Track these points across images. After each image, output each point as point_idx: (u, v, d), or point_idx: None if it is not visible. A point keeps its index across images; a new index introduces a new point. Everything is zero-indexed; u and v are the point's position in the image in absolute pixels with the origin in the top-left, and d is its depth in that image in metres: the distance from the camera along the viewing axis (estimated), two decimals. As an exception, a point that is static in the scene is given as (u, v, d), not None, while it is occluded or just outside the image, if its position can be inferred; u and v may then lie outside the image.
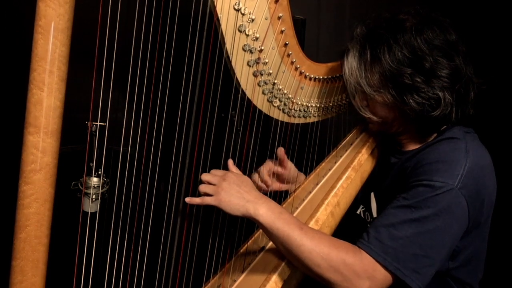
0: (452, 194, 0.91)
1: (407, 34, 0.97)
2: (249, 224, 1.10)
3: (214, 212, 1.04)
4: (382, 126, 1.12)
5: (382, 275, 0.90)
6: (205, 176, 0.99)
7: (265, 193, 1.22)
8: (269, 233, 0.94)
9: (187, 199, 0.97)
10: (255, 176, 1.24)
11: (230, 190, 0.95)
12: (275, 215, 0.93)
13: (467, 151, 0.97)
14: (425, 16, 1.01)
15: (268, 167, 1.24)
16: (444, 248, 0.93)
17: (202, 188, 0.97)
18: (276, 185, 1.26)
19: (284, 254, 0.97)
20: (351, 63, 1.04)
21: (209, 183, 0.98)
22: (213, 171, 1.01)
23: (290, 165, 1.26)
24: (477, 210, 0.97)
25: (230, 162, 1.05)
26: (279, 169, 1.24)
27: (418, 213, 0.91)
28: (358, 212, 1.24)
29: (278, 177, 1.26)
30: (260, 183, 1.23)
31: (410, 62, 0.96)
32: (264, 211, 0.93)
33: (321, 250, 0.90)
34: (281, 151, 1.19)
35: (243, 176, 1.01)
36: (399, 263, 0.89)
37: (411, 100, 0.98)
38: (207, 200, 0.96)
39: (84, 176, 0.99)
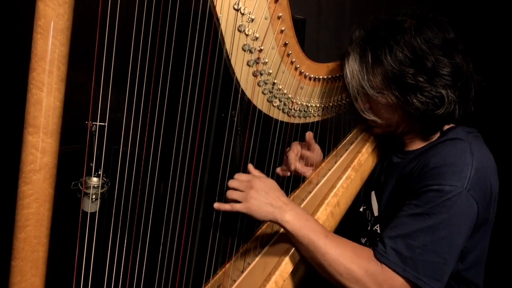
0: (462, 197, 0.92)
1: (407, 35, 0.98)
2: (249, 224, 1.10)
3: (214, 212, 1.04)
4: (387, 128, 1.11)
5: (401, 284, 0.91)
6: (232, 183, 1.01)
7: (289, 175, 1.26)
8: (295, 239, 0.97)
9: (216, 205, 0.99)
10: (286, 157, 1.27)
11: (259, 197, 0.97)
12: (302, 223, 0.95)
13: (472, 152, 0.97)
14: (423, 16, 1.02)
15: (296, 150, 1.27)
16: (458, 249, 0.94)
17: (230, 194, 1.00)
18: (302, 168, 1.28)
19: (308, 260, 0.99)
20: (352, 66, 1.04)
21: (236, 189, 1.00)
22: (238, 176, 1.03)
23: (317, 148, 1.30)
24: (485, 209, 0.97)
25: (251, 166, 1.07)
26: (306, 152, 1.27)
27: (432, 220, 0.91)
28: (361, 209, 1.25)
29: (304, 159, 1.29)
30: (289, 165, 1.26)
31: (412, 62, 0.97)
32: (291, 218, 0.95)
33: (344, 259, 0.92)
34: (309, 134, 1.24)
35: (269, 180, 1.02)
36: (418, 272, 0.90)
37: (414, 100, 0.98)
38: (237, 207, 0.98)
39: (84, 176, 0.98)
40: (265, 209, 0.96)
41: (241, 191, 1.00)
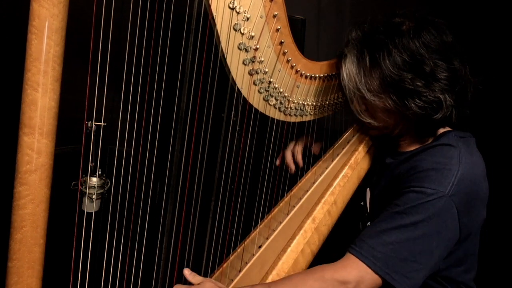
0: (443, 201, 0.92)
1: (405, 38, 0.96)
2: (246, 223, 1.10)
3: (211, 211, 1.04)
4: (384, 130, 1.11)
5: (370, 277, 0.91)
6: None
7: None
8: None
9: None
10: (288, 154, 1.30)
11: None
12: None
13: (460, 159, 0.97)
14: (421, 18, 1.00)
15: (302, 147, 1.29)
16: (434, 253, 0.93)
17: None
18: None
19: None
20: (349, 69, 1.03)
21: None
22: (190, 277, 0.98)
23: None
24: (468, 217, 0.97)
25: (186, 271, 0.99)
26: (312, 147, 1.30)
27: (409, 219, 0.92)
28: (362, 203, 1.25)
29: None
30: (291, 164, 1.30)
31: (410, 66, 0.96)
32: None
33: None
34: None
35: (207, 283, 0.96)
36: (388, 267, 0.90)
37: (412, 105, 0.97)
38: None
39: (80, 175, 0.98)
40: None
41: None
